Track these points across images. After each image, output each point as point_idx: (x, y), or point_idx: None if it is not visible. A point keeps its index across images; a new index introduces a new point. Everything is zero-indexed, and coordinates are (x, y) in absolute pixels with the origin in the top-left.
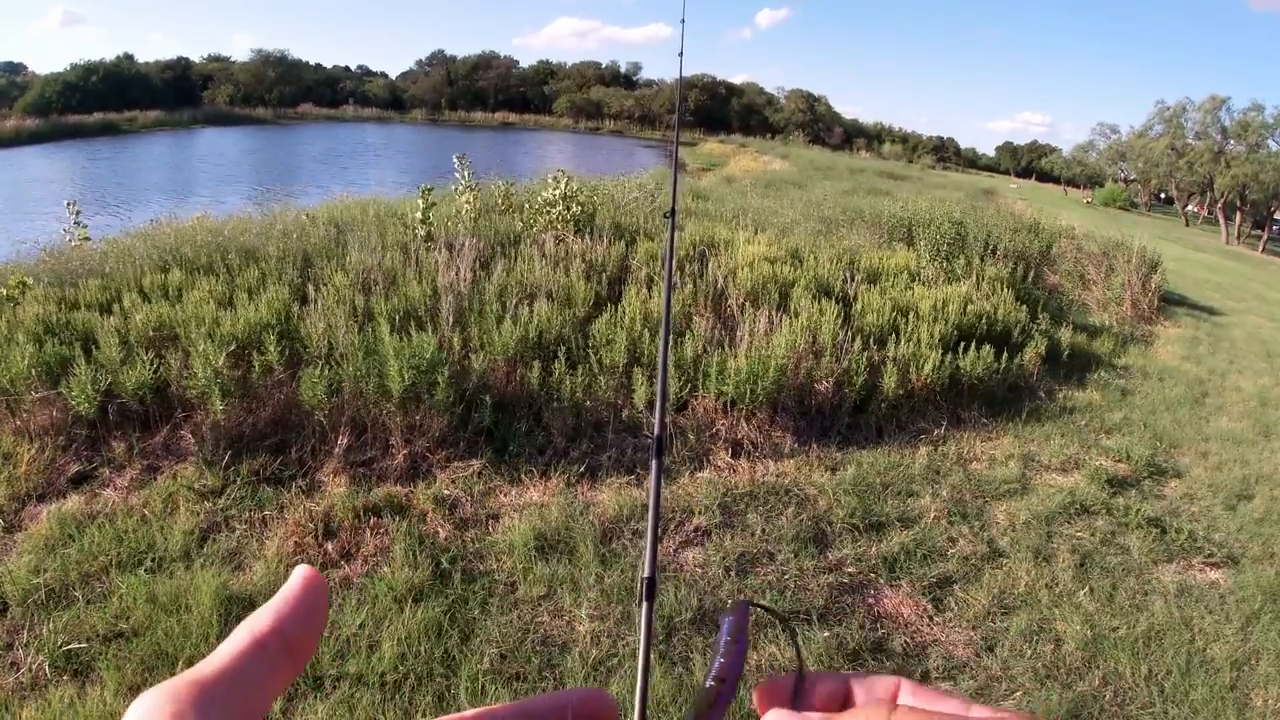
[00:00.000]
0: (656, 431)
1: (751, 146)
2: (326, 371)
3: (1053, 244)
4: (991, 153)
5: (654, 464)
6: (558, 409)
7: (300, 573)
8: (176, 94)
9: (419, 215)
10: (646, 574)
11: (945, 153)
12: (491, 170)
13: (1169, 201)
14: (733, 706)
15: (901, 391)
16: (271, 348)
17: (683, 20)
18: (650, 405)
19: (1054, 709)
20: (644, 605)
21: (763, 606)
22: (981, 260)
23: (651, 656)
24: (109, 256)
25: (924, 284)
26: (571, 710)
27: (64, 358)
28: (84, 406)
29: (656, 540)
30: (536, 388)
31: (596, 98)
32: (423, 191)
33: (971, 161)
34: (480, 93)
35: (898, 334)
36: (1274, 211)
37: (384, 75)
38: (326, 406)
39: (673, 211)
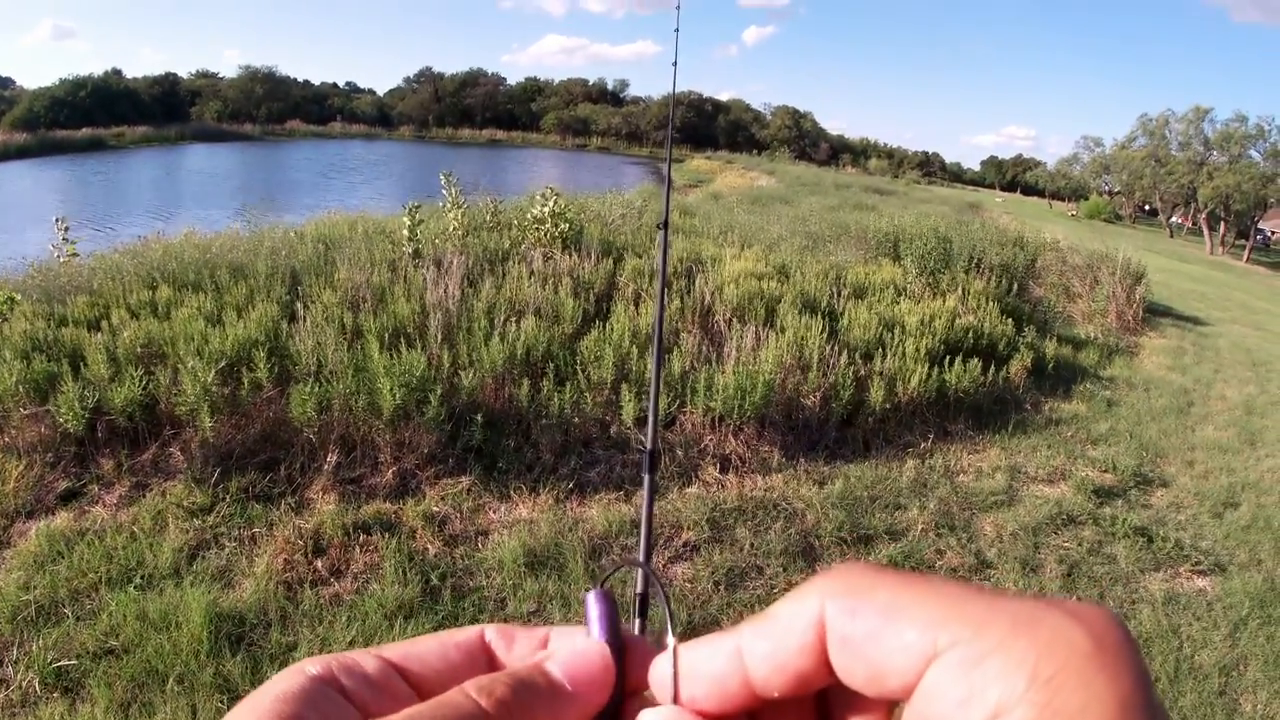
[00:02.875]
0: (649, 446)
1: (738, 163)
2: (316, 389)
3: (1038, 257)
4: (977, 167)
5: (646, 479)
6: (546, 425)
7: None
8: (164, 110)
9: (406, 232)
10: (639, 590)
11: (931, 167)
12: (480, 187)
13: (1153, 213)
14: None
15: (888, 405)
16: (260, 365)
17: (676, 30)
18: (638, 421)
19: None
20: (636, 620)
21: (618, 566)
22: (967, 274)
23: None
24: (97, 272)
25: (910, 298)
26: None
27: (52, 374)
28: (72, 423)
29: (649, 552)
30: (525, 405)
31: (584, 115)
32: (409, 209)
33: (957, 176)
34: (468, 110)
35: (884, 348)
36: (1257, 221)
37: (372, 92)
38: (315, 424)
39: (665, 223)
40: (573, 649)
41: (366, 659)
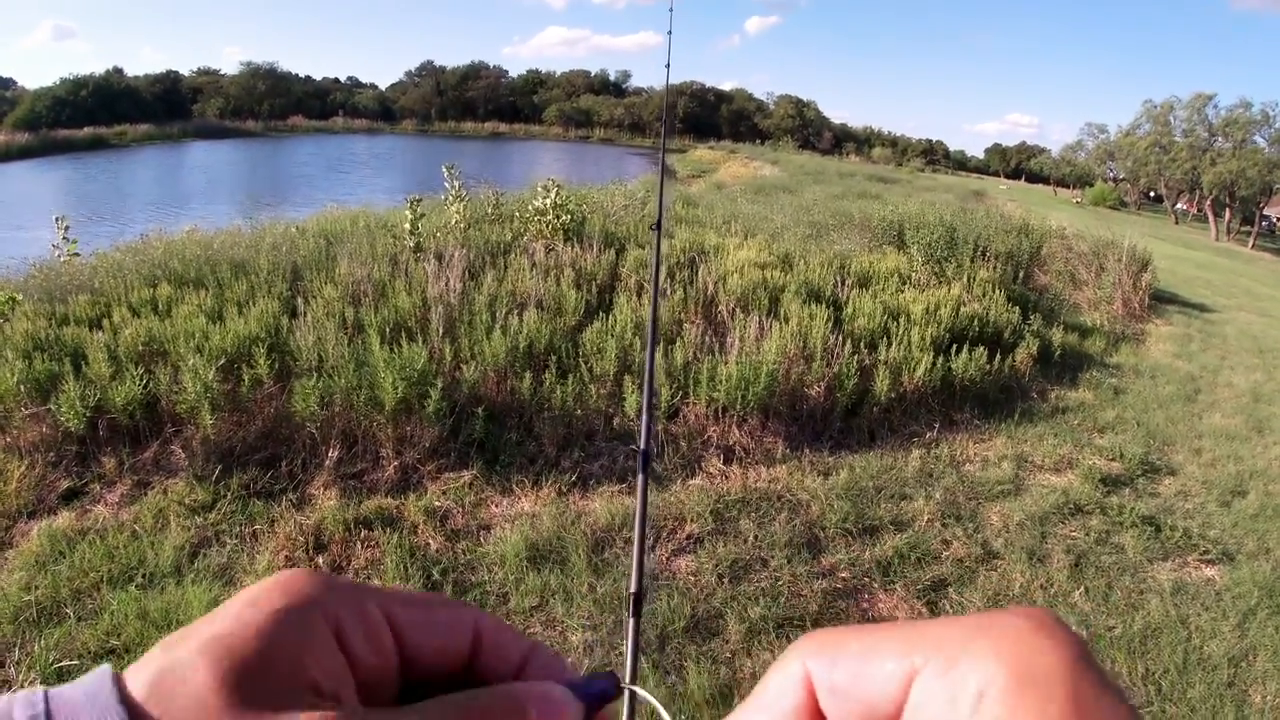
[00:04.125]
0: (642, 446)
1: (741, 152)
2: (317, 384)
3: (1043, 244)
4: (981, 155)
5: (640, 478)
6: (548, 418)
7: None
8: (166, 107)
9: (408, 226)
10: (633, 589)
11: (934, 156)
12: (482, 180)
13: (1158, 200)
14: None
15: (893, 395)
16: (261, 361)
17: (669, 32)
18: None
19: None
20: (631, 620)
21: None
22: (972, 262)
23: (643, 665)
24: (98, 271)
25: (915, 287)
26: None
27: (53, 374)
28: (74, 423)
29: (644, 554)
30: (527, 397)
31: (586, 106)
32: (411, 202)
33: (961, 164)
34: (470, 103)
35: (889, 337)
36: (1262, 207)
37: (373, 86)
38: (317, 419)
39: (659, 224)
40: (551, 698)
41: (372, 606)
